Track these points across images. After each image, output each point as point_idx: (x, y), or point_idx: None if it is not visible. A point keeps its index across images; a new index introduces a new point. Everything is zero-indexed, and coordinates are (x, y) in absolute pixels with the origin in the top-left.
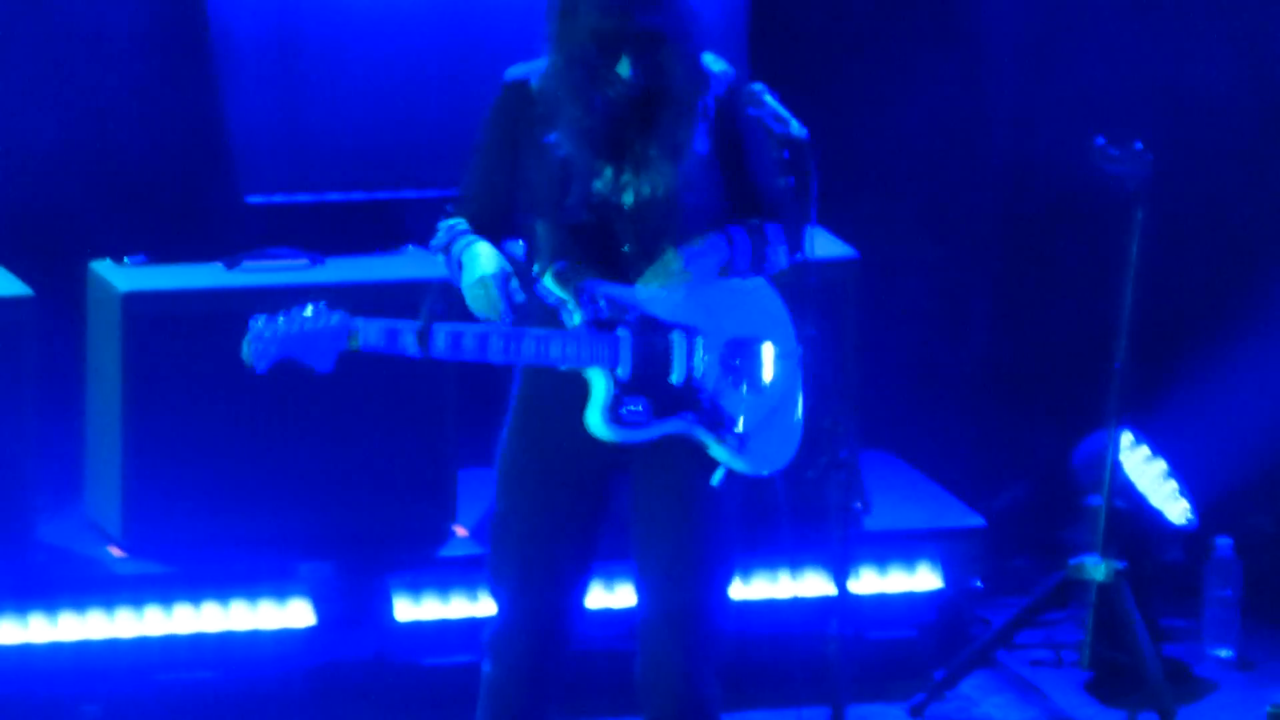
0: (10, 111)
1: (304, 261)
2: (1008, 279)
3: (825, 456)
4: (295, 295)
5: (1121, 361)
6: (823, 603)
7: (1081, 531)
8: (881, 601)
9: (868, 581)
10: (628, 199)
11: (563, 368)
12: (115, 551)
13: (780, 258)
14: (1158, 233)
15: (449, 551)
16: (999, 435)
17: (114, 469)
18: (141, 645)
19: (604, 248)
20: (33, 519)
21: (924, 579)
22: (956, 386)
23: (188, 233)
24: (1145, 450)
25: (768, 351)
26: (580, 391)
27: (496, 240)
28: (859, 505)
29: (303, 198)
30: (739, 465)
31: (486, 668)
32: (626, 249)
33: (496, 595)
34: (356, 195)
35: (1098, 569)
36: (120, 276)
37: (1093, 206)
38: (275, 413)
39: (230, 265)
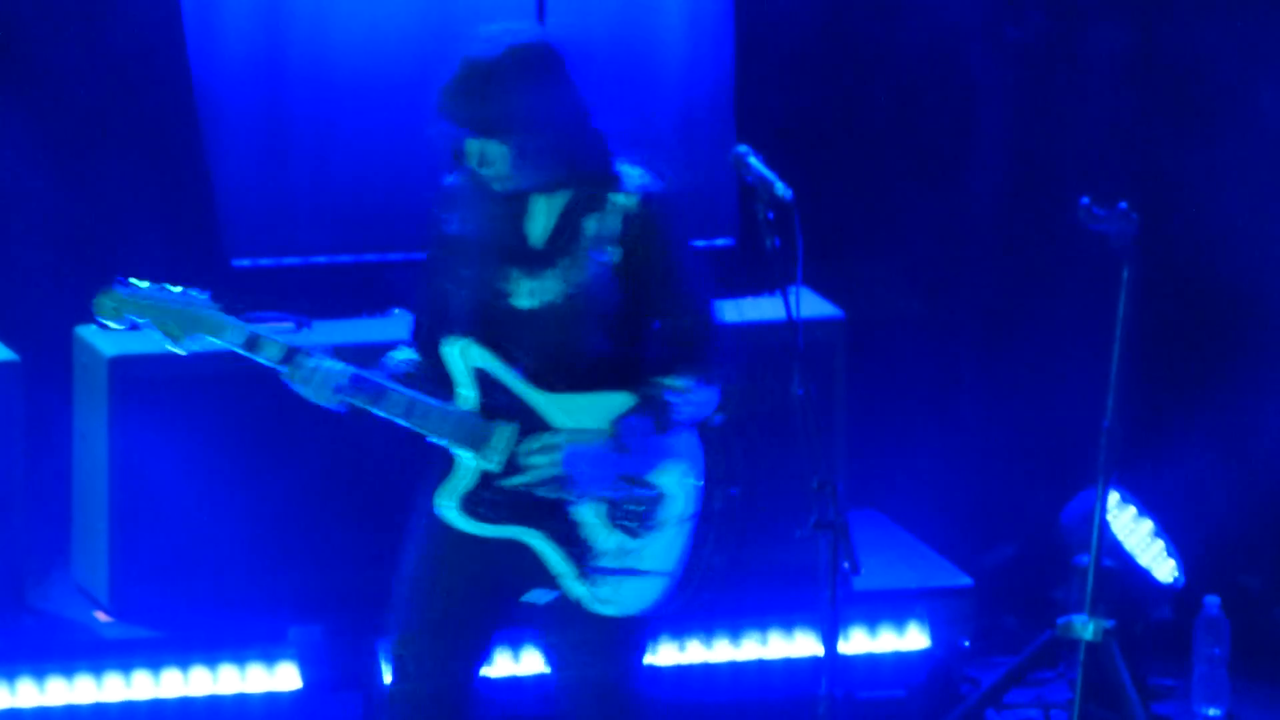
0: None
1: (290, 325)
2: (995, 337)
3: (814, 517)
4: None
5: (1109, 420)
6: (812, 663)
7: (1070, 590)
8: (870, 662)
9: (857, 642)
10: (526, 303)
11: (432, 439)
12: (102, 616)
13: (699, 410)
14: (1146, 291)
15: None
16: (987, 494)
17: (101, 533)
18: (130, 710)
19: (505, 343)
20: (20, 584)
21: (912, 639)
22: (944, 445)
23: None
24: (1133, 509)
25: (659, 502)
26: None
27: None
28: (848, 565)
29: (289, 261)
30: (574, 589)
31: None
32: (524, 350)
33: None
34: (343, 258)
35: (1086, 628)
36: (106, 341)
37: (1080, 265)
38: (263, 476)
39: None
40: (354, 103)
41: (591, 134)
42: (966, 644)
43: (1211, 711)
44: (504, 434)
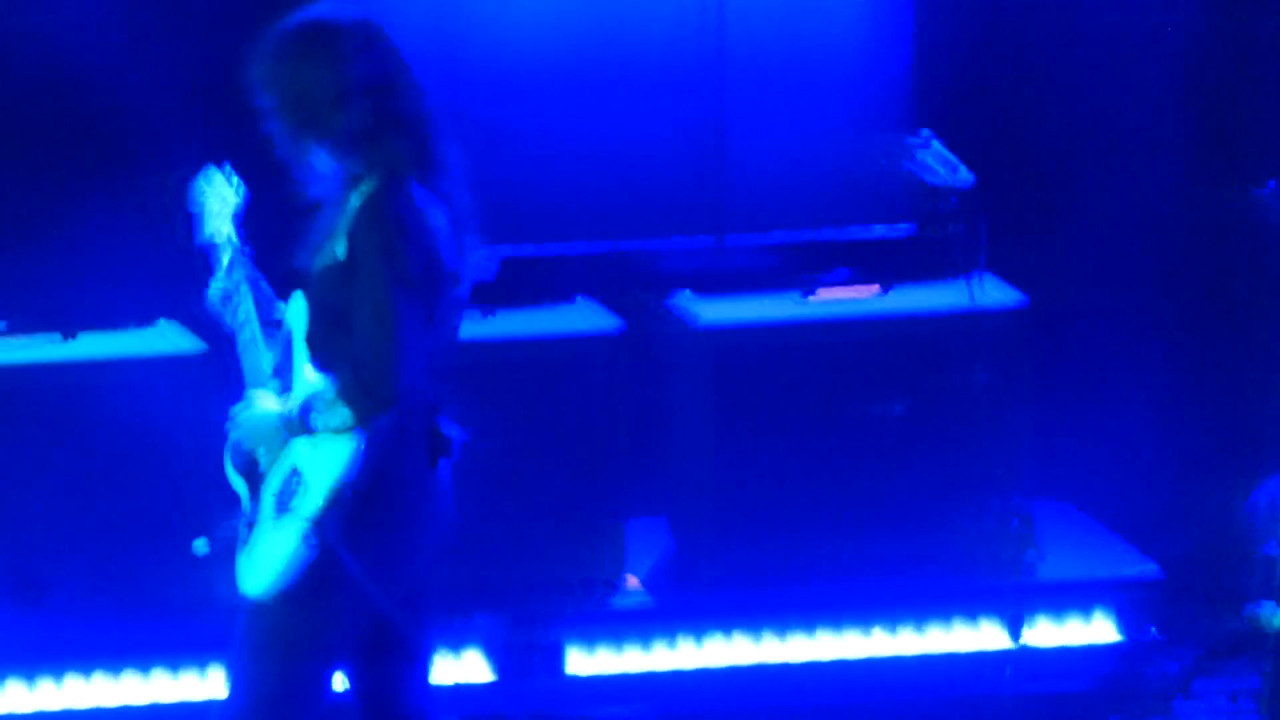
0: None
1: (476, 313)
2: (1182, 323)
3: (997, 506)
4: None
5: None
6: (997, 655)
7: (1258, 579)
8: (1057, 653)
9: (1043, 632)
10: (315, 268)
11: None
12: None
13: (325, 422)
14: None
15: (621, 602)
16: (1175, 483)
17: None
18: None
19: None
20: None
21: (1099, 629)
22: (1131, 433)
23: None
24: None
25: (300, 499)
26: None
27: None
28: (1032, 555)
29: None
30: (236, 553)
31: None
32: (308, 315)
33: None
34: (525, 249)
35: (1275, 617)
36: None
37: (1271, 250)
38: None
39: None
40: (525, 100)
41: (363, 120)
42: (1155, 634)
43: None
44: (268, 390)
